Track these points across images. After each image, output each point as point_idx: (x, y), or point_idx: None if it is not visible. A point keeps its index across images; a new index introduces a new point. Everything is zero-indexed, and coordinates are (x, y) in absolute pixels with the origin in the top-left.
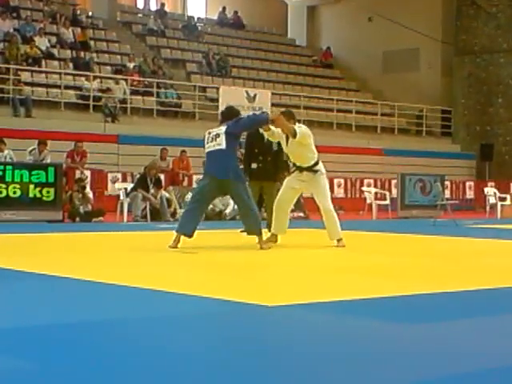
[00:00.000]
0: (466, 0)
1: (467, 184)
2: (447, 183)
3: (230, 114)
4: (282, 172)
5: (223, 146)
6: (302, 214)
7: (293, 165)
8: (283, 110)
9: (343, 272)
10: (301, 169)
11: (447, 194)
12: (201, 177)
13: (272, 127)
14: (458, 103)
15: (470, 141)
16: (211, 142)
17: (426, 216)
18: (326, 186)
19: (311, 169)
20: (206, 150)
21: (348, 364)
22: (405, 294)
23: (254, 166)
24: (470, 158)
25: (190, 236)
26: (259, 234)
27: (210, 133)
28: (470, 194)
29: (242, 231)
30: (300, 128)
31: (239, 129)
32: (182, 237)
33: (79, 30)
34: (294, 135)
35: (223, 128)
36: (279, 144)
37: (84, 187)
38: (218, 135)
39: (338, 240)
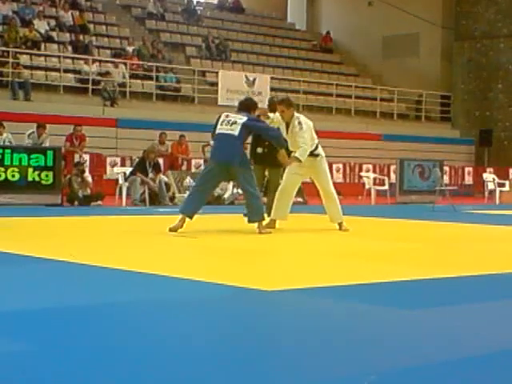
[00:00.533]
0: None
1: (466, 170)
2: (446, 169)
3: (249, 105)
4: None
5: (236, 133)
6: (300, 200)
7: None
8: (283, 97)
9: (342, 257)
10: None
11: (446, 179)
12: (199, 161)
13: (271, 114)
14: (458, 88)
15: (469, 126)
16: (226, 125)
17: (424, 201)
18: (327, 170)
19: (312, 153)
20: (218, 131)
21: (347, 349)
22: (404, 279)
23: (259, 150)
24: (469, 144)
25: (190, 217)
26: (260, 221)
27: (227, 116)
28: (468, 180)
29: (244, 215)
30: (301, 127)
31: (256, 129)
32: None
33: (78, 13)
34: (301, 159)
35: (243, 119)
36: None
37: (83, 171)
38: (235, 122)
39: (340, 223)
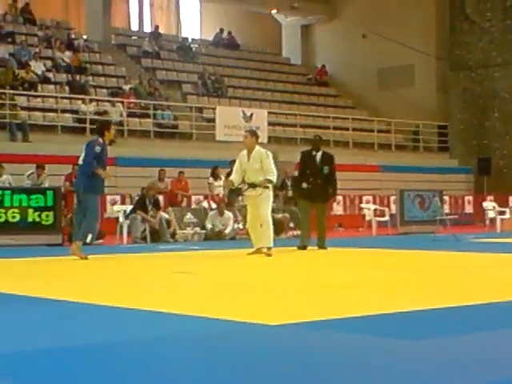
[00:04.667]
0: (460, 15)
1: (466, 198)
2: (446, 198)
3: (99, 128)
4: (333, 194)
5: (80, 161)
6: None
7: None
8: (249, 129)
9: (344, 288)
10: (253, 185)
11: (446, 208)
12: (199, 197)
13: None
14: (455, 118)
15: (467, 155)
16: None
17: (425, 231)
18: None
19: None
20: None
21: (355, 382)
22: (408, 309)
23: (304, 185)
24: (468, 173)
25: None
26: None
27: None
28: (468, 209)
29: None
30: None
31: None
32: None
33: (74, 53)
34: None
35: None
36: (330, 168)
37: None
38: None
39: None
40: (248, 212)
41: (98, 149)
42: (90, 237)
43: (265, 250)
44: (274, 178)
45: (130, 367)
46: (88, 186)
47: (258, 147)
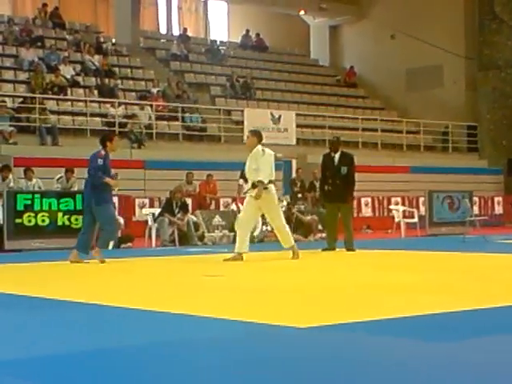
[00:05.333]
0: (489, 15)
1: (496, 199)
2: (475, 199)
3: (102, 139)
4: (350, 194)
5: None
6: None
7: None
8: (252, 129)
9: (373, 290)
10: (254, 185)
11: (476, 210)
12: (228, 200)
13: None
14: (484, 118)
15: (496, 156)
16: None
17: (455, 233)
18: (277, 204)
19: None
20: None
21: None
22: (438, 311)
23: (326, 188)
24: (498, 173)
25: None
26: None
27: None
28: (498, 210)
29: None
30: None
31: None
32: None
33: (103, 57)
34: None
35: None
36: (349, 168)
37: None
38: None
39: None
40: (243, 210)
41: (100, 161)
42: (111, 244)
43: (231, 255)
44: (263, 178)
45: (155, 370)
46: (99, 198)
47: (258, 147)
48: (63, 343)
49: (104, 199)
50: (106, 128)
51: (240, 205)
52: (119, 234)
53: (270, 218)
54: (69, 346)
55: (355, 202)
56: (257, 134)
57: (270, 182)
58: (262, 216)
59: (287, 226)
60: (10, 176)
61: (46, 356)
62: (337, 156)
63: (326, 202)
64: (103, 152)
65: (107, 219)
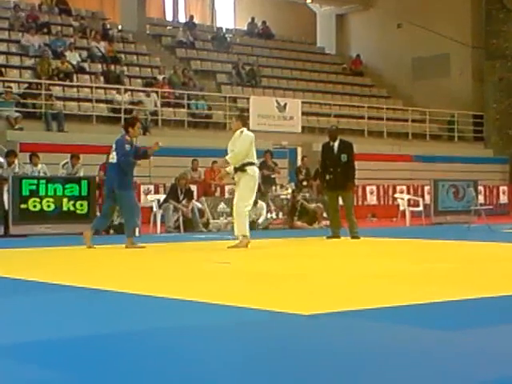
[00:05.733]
0: (496, 4)
1: (501, 189)
2: (480, 188)
3: (125, 124)
4: (351, 181)
5: (114, 160)
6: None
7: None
8: (238, 113)
9: (378, 279)
10: (235, 169)
11: (481, 199)
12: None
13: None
14: (490, 108)
15: (502, 145)
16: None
17: (460, 222)
18: (247, 188)
19: (241, 169)
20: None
21: (386, 371)
22: (441, 299)
23: (327, 177)
24: (503, 163)
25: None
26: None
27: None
28: (503, 199)
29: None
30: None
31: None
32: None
33: (108, 43)
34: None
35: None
36: (348, 155)
37: None
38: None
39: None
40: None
41: (127, 147)
42: (137, 230)
43: (238, 240)
44: (230, 158)
45: (163, 356)
46: (122, 184)
47: (239, 130)
48: (61, 328)
49: (127, 185)
50: (112, 114)
51: None
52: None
53: (236, 198)
54: (67, 331)
55: (360, 190)
56: (241, 118)
57: (251, 163)
58: (267, 204)
59: (246, 216)
60: (16, 161)
61: (47, 340)
62: (336, 144)
63: (327, 190)
64: (127, 137)
65: (128, 205)
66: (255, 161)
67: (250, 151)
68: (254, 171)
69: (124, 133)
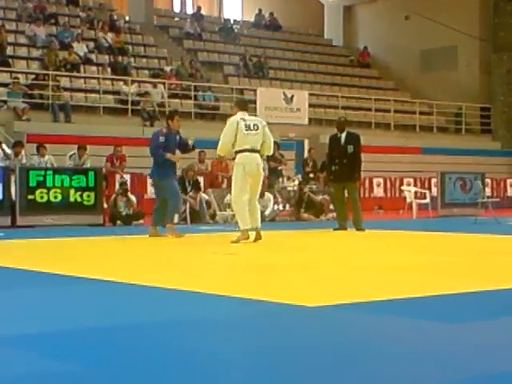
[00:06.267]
0: None
1: (508, 181)
2: (488, 181)
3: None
4: (357, 172)
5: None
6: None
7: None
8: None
9: (384, 271)
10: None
11: (488, 191)
12: None
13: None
14: (498, 100)
15: (510, 138)
16: None
17: (466, 214)
18: (236, 177)
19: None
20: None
21: (391, 363)
22: (447, 292)
23: (333, 168)
24: (511, 155)
25: None
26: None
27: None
28: (510, 192)
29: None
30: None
31: None
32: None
33: (116, 35)
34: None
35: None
36: (355, 147)
37: (127, 190)
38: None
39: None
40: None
41: (161, 139)
42: (176, 217)
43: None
44: (219, 147)
45: (168, 348)
46: (162, 174)
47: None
48: (70, 319)
49: (166, 175)
50: (119, 106)
51: None
52: (131, 212)
53: None
54: (76, 323)
55: (367, 182)
56: (237, 104)
57: (240, 151)
58: (274, 196)
59: (239, 208)
60: (23, 152)
61: (50, 332)
62: (343, 136)
63: (333, 181)
64: (165, 130)
65: (171, 193)
66: (246, 147)
67: (234, 138)
68: (241, 158)
69: (164, 126)
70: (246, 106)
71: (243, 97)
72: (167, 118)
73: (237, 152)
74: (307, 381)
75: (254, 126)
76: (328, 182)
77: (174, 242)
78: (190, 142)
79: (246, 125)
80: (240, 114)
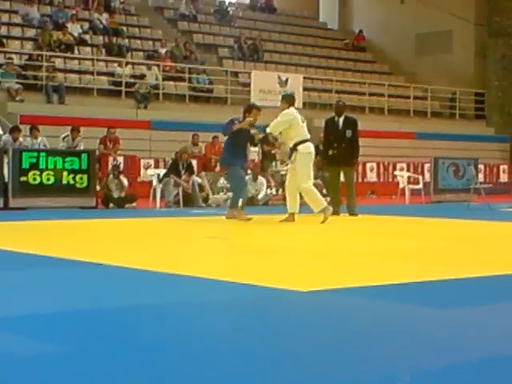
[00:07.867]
0: None
1: (501, 167)
2: (481, 167)
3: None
4: (356, 157)
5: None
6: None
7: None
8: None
9: (377, 256)
10: (290, 149)
11: (481, 177)
12: None
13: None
14: (492, 86)
15: (503, 124)
16: None
17: (459, 200)
18: (304, 166)
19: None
20: None
21: (382, 348)
22: (440, 278)
23: (330, 152)
24: (504, 141)
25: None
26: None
27: None
28: (503, 178)
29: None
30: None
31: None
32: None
33: (110, 15)
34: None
35: None
36: (353, 131)
37: (120, 173)
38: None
39: (322, 210)
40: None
41: (230, 127)
42: (240, 201)
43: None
44: (274, 126)
45: (161, 331)
46: (229, 160)
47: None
48: (64, 302)
49: (233, 161)
50: (113, 87)
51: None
52: (123, 194)
53: (295, 178)
54: (68, 305)
55: (360, 167)
56: (285, 99)
57: (302, 142)
58: (267, 180)
59: (312, 191)
60: (21, 138)
61: (49, 314)
62: (341, 120)
63: (330, 166)
64: (237, 121)
65: (236, 180)
66: (308, 137)
67: (288, 127)
68: (308, 148)
69: (241, 116)
70: (294, 101)
71: (292, 92)
72: (245, 110)
73: (298, 143)
74: (300, 364)
75: (302, 120)
76: (322, 167)
77: (165, 225)
78: (257, 137)
79: (301, 119)
80: (293, 109)
